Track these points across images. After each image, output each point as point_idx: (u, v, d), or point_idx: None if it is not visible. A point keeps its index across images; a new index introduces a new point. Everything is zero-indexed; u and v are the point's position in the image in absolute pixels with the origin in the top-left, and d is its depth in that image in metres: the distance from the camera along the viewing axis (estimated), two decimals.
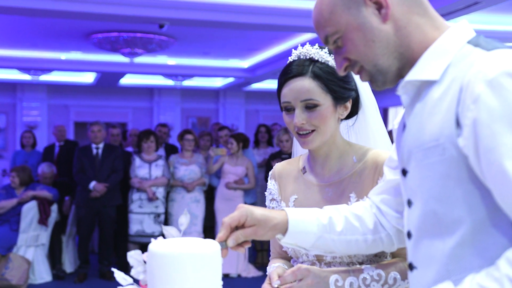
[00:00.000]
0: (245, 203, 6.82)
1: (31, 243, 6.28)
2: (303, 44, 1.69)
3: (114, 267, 6.82)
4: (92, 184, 6.38)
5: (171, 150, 7.50)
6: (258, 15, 6.86)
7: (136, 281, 1.28)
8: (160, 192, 6.62)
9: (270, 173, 1.82)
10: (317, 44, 1.68)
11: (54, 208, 6.48)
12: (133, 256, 1.26)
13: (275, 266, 1.66)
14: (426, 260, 1.14)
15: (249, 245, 1.40)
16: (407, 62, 1.17)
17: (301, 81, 1.60)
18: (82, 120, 13.45)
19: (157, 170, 6.59)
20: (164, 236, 1.32)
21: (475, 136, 1.00)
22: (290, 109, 1.64)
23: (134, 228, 6.55)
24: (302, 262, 1.65)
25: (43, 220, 6.26)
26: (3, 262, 6.06)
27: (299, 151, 1.87)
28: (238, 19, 6.87)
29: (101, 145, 6.59)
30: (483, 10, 6.19)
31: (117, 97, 13.96)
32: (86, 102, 13.78)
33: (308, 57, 1.63)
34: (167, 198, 6.76)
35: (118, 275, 1.25)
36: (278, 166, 1.81)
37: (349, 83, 1.65)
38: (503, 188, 0.98)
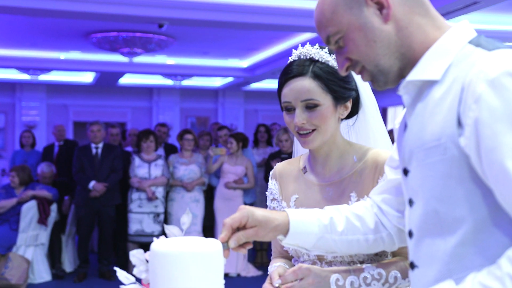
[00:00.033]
0: (245, 202, 6.83)
1: (31, 243, 6.28)
2: (303, 44, 1.70)
3: (114, 267, 6.86)
4: (92, 183, 6.38)
5: (170, 149, 7.51)
6: (257, 15, 6.87)
7: (138, 280, 1.28)
8: (160, 191, 6.63)
9: (271, 173, 1.82)
10: (317, 44, 1.68)
11: (54, 207, 6.48)
12: (136, 255, 1.27)
13: (276, 266, 1.66)
14: (427, 259, 1.15)
15: (251, 246, 1.40)
16: (409, 62, 1.18)
17: (302, 81, 1.60)
18: (81, 119, 13.45)
19: (156, 170, 6.60)
20: (165, 235, 1.32)
21: (477, 135, 1.01)
22: (290, 109, 1.64)
23: (133, 227, 6.55)
24: (303, 262, 1.65)
25: (42, 219, 6.26)
26: (2, 261, 6.06)
27: (300, 151, 1.88)
28: (237, 18, 6.88)
29: (100, 145, 6.60)
30: (482, 9, 6.20)
31: (116, 96, 13.96)
32: (85, 102, 13.79)
33: (308, 57, 1.64)
34: (167, 198, 6.76)
35: (121, 274, 1.25)
36: (279, 166, 1.82)
37: (349, 83, 1.65)
38: (504, 187, 0.99)
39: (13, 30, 8.45)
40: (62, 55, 10.49)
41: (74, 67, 11.01)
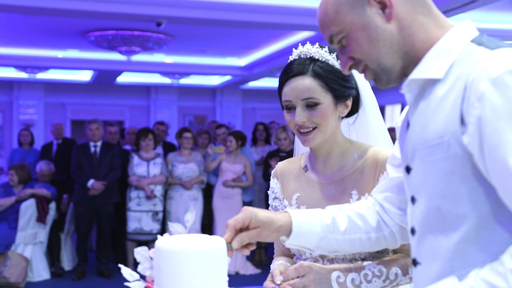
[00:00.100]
0: (243, 201, 6.85)
1: (30, 241, 6.28)
2: (303, 43, 1.71)
3: (112, 265, 6.85)
4: (90, 182, 6.39)
5: (169, 148, 7.51)
6: (255, 13, 6.88)
7: (142, 277, 1.29)
8: (158, 190, 6.64)
9: (272, 172, 1.84)
10: (317, 43, 1.69)
11: (52, 206, 6.48)
12: (140, 252, 1.27)
13: (278, 264, 1.68)
14: (430, 255, 1.16)
15: (254, 247, 1.42)
16: (411, 61, 1.19)
17: (302, 80, 1.61)
18: (79, 118, 13.45)
19: (155, 168, 6.60)
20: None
21: (480, 133, 1.02)
22: (291, 108, 1.65)
23: (132, 226, 6.56)
24: (305, 259, 1.67)
25: (41, 218, 6.26)
26: (1, 260, 6.07)
27: (300, 150, 1.89)
28: (235, 17, 6.88)
29: (99, 143, 6.60)
30: (480, 8, 6.22)
31: (114, 95, 13.96)
32: (83, 100, 13.79)
33: (308, 56, 1.64)
34: (165, 196, 6.77)
35: (125, 271, 1.26)
36: (280, 165, 1.83)
37: (349, 82, 1.67)
38: (507, 184, 1.00)
39: (11, 28, 8.44)
40: (60, 54, 10.48)
41: (72, 65, 11.01)
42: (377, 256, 1.62)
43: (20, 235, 6.21)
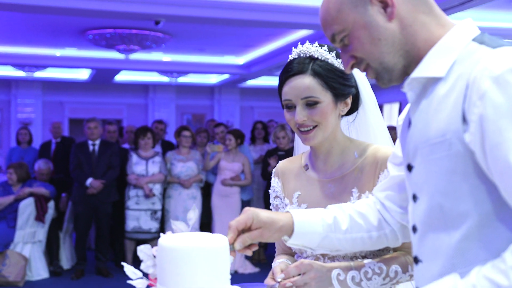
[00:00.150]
0: (242, 199, 6.85)
1: (28, 240, 6.28)
2: (302, 42, 1.72)
3: (111, 264, 6.84)
4: (89, 180, 6.39)
5: (167, 146, 7.51)
6: (253, 12, 6.88)
7: (145, 275, 1.30)
8: (157, 188, 6.64)
9: (273, 171, 1.85)
10: (316, 42, 1.70)
11: (51, 204, 6.48)
12: (143, 250, 1.28)
13: (279, 262, 1.69)
14: (431, 253, 1.16)
15: (256, 247, 1.43)
16: (413, 59, 1.19)
17: (302, 79, 1.62)
18: (77, 116, 13.44)
19: (154, 167, 6.61)
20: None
21: (482, 131, 1.02)
22: (291, 107, 1.66)
23: (130, 224, 6.56)
24: (306, 257, 1.67)
25: (40, 216, 6.26)
26: (0, 259, 6.06)
27: (300, 149, 1.90)
28: (234, 15, 6.89)
29: (97, 142, 6.59)
30: (478, 7, 6.23)
31: (112, 93, 13.95)
32: (81, 99, 13.77)
33: (308, 55, 1.65)
34: (164, 195, 6.77)
35: (128, 269, 1.27)
36: (281, 164, 1.84)
37: (348, 80, 1.67)
38: (509, 182, 1.00)
39: (8, 26, 8.42)
40: (58, 52, 10.47)
41: (70, 64, 11.00)
42: (378, 254, 1.63)
43: (19, 234, 6.21)
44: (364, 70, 1.24)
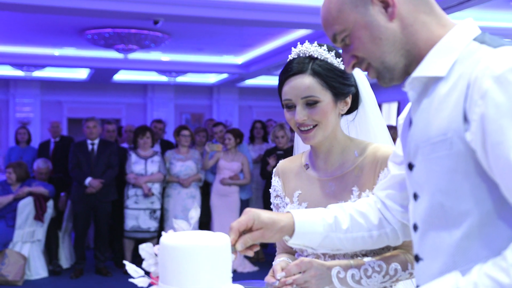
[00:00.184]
0: (241, 199, 6.86)
1: (27, 239, 6.28)
2: (302, 42, 1.72)
3: (110, 263, 6.84)
4: (88, 180, 6.39)
5: (166, 146, 7.52)
6: (252, 11, 6.88)
7: (147, 273, 1.30)
8: (156, 188, 6.64)
9: (274, 170, 1.86)
10: (316, 42, 1.71)
11: (50, 204, 6.48)
12: (145, 248, 1.29)
13: (279, 260, 1.69)
14: (432, 251, 1.17)
15: (258, 248, 1.44)
16: (414, 59, 1.20)
17: (301, 79, 1.63)
18: (75, 116, 13.43)
19: (153, 166, 6.61)
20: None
21: (483, 131, 1.03)
22: (291, 106, 1.67)
23: (129, 223, 6.56)
24: (307, 256, 1.68)
25: (39, 216, 6.27)
26: None
27: (300, 148, 1.91)
28: (232, 15, 6.89)
29: (96, 141, 6.60)
30: (476, 6, 6.24)
31: (110, 93, 13.94)
32: (79, 99, 13.77)
33: (307, 55, 1.66)
34: (163, 194, 6.77)
35: (130, 267, 1.27)
36: (281, 164, 1.85)
37: (348, 79, 1.68)
38: (510, 181, 1.01)
39: (7, 26, 8.42)
40: (57, 52, 10.47)
41: (68, 63, 10.99)
42: (378, 252, 1.64)
43: (18, 233, 6.21)
44: (365, 70, 1.25)
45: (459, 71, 1.12)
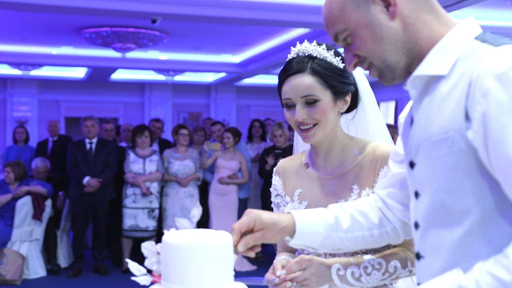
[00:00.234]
0: (239, 198, 6.87)
1: (25, 238, 6.28)
2: (298, 40, 1.73)
3: (108, 262, 6.84)
4: (86, 179, 6.39)
5: (165, 145, 7.52)
6: (250, 10, 6.88)
7: (149, 272, 1.31)
8: (154, 187, 6.64)
9: (274, 169, 1.86)
10: (315, 41, 1.72)
11: (48, 203, 6.48)
12: (147, 247, 1.29)
13: (280, 258, 1.70)
14: (433, 249, 1.18)
15: (259, 248, 1.45)
16: (415, 58, 1.21)
17: (301, 78, 1.64)
18: (73, 115, 13.41)
19: (151, 165, 6.61)
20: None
21: (485, 129, 1.04)
22: (291, 106, 1.67)
23: (128, 222, 6.56)
24: (308, 254, 1.69)
25: (37, 215, 6.27)
26: None
27: (300, 147, 1.92)
28: (230, 14, 6.89)
29: (94, 140, 6.60)
30: (474, 5, 6.25)
31: (108, 92, 13.93)
32: (77, 97, 13.75)
33: (306, 54, 1.67)
34: (161, 193, 6.77)
35: (132, 265, 1.28)
36: (281, 163, 1.85)
37: (347, 78, 1.69)
38: (511, 179, 1.02)
39: (4, 25, 8.41)
40: (54, 51, 10.45)
41: (66, 62, 10.98)
42: (378, 250, 1.65)
43: (16, 232, 6.21)
44: (367, 69, 1.26)
45: (460, 70, 1.13)
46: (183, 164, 6.71)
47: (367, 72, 1.29)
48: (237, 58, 11.30)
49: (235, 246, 1.36)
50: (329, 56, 1.66)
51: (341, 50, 1.75)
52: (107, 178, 6.49)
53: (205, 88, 14.61)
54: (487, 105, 1.03)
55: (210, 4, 6.66)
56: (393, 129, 5.84)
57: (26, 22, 8.16)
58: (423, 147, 1.17)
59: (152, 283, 1.28)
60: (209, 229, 1.29)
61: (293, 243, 1.47)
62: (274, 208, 1.83)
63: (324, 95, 1.64)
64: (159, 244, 1.28)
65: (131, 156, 6.64)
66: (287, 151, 6.19)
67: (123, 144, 7.63)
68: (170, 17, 6.98)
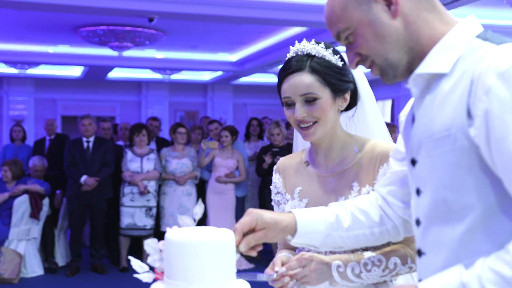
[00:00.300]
0: (236, 196, 6.88)
1: (23, 237, 6.27)
2: (295, 39, 1.74)
3: (106, 260, 6.84)
4: (83, 178, 6.38)
5: (162, 143, 7.52)
6: (246, 9, 6.89)
7: (151, 269, 1.32)
8: (152, 185, 6.64)
9: (274, 167, 1.87)
10: (313, 40, 1.73)
11: (46, 201, 6.48)
12: (150, 244, 1.30)
13: (281, 255, 1.71)
14: (435, 246, 1.18)
15: (261, 248, 1.46)
16: (417, 56, 1.22)
17: (300, 76, 1.65)
18: (69, 114, 13.39)
19: (148, 164, 6.61)
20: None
21: (487, 126, 1.04)
22: (290, 104, 1.68)
23: (125, 221, 6.56)
24: (308, 251, 1.70)
25: (34, 214, 6.26)
26: None
27: (299, 146, 1.93)
28: (227, 12, 6.89)
29: (92, 139, 6.59)
30: (471, 4, 6.27)
31: (104, 91, 13.91)
32: (74, 96, 13.72)
33: (305, 53, 1.68)
34: (159, 192, 6.78)
35: (135, 262, 1.29)
36: (282, 161, 1.87)
37: (346, 76, 1.70)
38: None
39: (1, 23, 8.39)
40: (51, 49, 10.44)
41: (62, 61, 10.96)
42: (378, 246, 1.66)
43: (14, 231, 6.21)
44: (369, 67, 1.27)
45: (462, 68, 1.13)
46: (180, 162, 6.71)
47: (367, 70, 1.30)
48: (233, 56, 11.31)
49: (237, 246, 1.37)
50: (328, 55, 1.67)
51: (339, 48, 1.77)
52: (104, 176, 6.49)
53: (202, 87, 14.61)
54: (489, 103, 1.04)
55: (207, 2, 6.66)
56: (390, 127, 5.85)
57: (22, 20, 8.14)
58: (425, 144, 1.18)
59: (155, 280, 1.29)
60: (211, 227, 1.30)
61: (295, 242, 1.49)
62: (275, 206, 1.84)
63: (323, 93, 1.65)
64: (161, 242, 1.29)
65: (129, 154, 6.64)
66: (285, 149, 6.20)
67: (121, 142, 7.62)
68: (167, 15, 6.98)
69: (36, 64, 11.13)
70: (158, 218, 6.73)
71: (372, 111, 1.84)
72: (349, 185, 1.68)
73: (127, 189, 6.59)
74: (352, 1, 1.22)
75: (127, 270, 6.55)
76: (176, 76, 12.88)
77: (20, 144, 8.13)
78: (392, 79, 1.26)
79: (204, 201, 6.82)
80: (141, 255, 6.05)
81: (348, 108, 1.77)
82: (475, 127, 1.07)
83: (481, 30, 1.18)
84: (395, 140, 1.63)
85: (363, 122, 1.84)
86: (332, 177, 1.71)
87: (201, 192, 6.93)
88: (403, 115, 1.43)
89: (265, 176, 6.49)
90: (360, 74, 1.78)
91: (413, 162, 1.24)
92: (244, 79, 13.36)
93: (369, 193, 1.62)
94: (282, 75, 1.69)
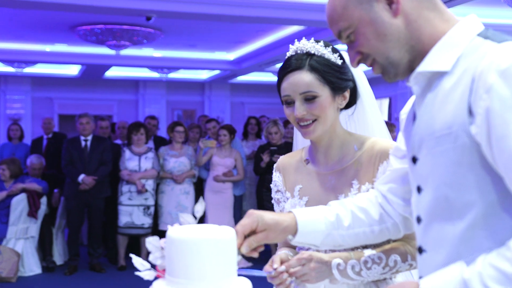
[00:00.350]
0: (234, 195, 6.88)
1: (21, 236, 6.27)
2: (295, 38, 1.75)
3: (104, 259, 6.84)
4: (81, 177, 6.38)
5: (160, 142, 7.52)
6: (244, 8, 6.89)
7: (153, 266, 1.32)
8: (150, 184, 6.64)
9: (274, 166, 1.88)
10: (312, 38, 1.74)
11: (44, 200, 6.47)
12: (151, 242, 1.30)
13: (280, 253, 1.72)
14: (436, 243, 1.19)
15: (262, 248, 1.46)
16: (418, 54, 1.22)
17: (299, 75, 1.65)
18: (66, 113, 13.37)
19: (146, 163, 6.61)
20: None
21: (488, 124, 1.05)
22: (290, 102, 1.69)
23: (123, 220, 6.57)
24: (308, 249, 1.71)
25: (32, 212, 6.26)
26: None
27: (299, 144, 1.94)
28: (225, 11, 6.89)
29: (89, 137, 6.59)
30: (469, 3, 6.28)
31: (102, 89, 13.88)
32: (71, 95, 13.69)
33: (305, 51, 1.68)
34: (157, 190, 6.78)
35: (136, 260, 1.29)
36: (281, 159, 1.87)
37: (345, 74, 1.71)
38: None
39: None
40: (48, 48, 10.42)
41: (60, 59, 10.94)
42: (378, 244, 1.66)
43: (11, 230, 6.20)
44: (370, 65, 1.27)
45: (463, 66, 1.14)
46: (178, 161, 6.71)
47: (367, 68, 1.31)
48: (231, 55, 11.30)
49: (239, 248, 1.37)
50: (327, 53, 1.68)
51: (339, 46, 1.77)
52: (102, 175, 6.49)
53: (199, 86, 14.60)
54: (491, 101, 1.04)
55: (204, 1, 6.66)
56: (388, 126, 5.86)
57: (19, 19, 8.13)
58: (426, 142, 1.19)
59: (156, 278, 1.29)
60: (212, 224, 1.31)
61: (295, 241, 1.49)
62: (275, 204, 1.85)
63: (323, 91, 1.66)
64: (163, 239, 1.30)
65: (127, 153, 6.63)
66: (282, 148, 6.21)
67: (118, 141, 7.62)
68: (164, 14, 6.97)
69: (33, 62, 11.11)
70: (156, 217, 6.73)
71: (371, 109, 1.85)
72: (349, 183, 1.69)
73: (125, 188, 6.59)
74: (353, 0, 1.23)
75: (125, 268, 6.55)
76: (173, 75, 12.86)
77: (17, 143, 8.12)
78: (394, 78, 1.26)
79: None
80: (139, 254, 6.06)
81: (347, 106, 1.78)
82: (476, 125, 1.08)
83: (482, 29, 1.19)
84: (393, 139, 1.64)
85: (362, 120, 1.85)
86: (332, 175, 1.72)
87: (199, 191, 6.93)
88: (404, 113, 1.44)
89: (263, 175, 6.50)
90: (359, 73, 1.79)
91: (414, 160, 1.25)
92: (242, 78, 13.35)
93: (369, 191, 1.63)
94: (282, 74, 1.69)
